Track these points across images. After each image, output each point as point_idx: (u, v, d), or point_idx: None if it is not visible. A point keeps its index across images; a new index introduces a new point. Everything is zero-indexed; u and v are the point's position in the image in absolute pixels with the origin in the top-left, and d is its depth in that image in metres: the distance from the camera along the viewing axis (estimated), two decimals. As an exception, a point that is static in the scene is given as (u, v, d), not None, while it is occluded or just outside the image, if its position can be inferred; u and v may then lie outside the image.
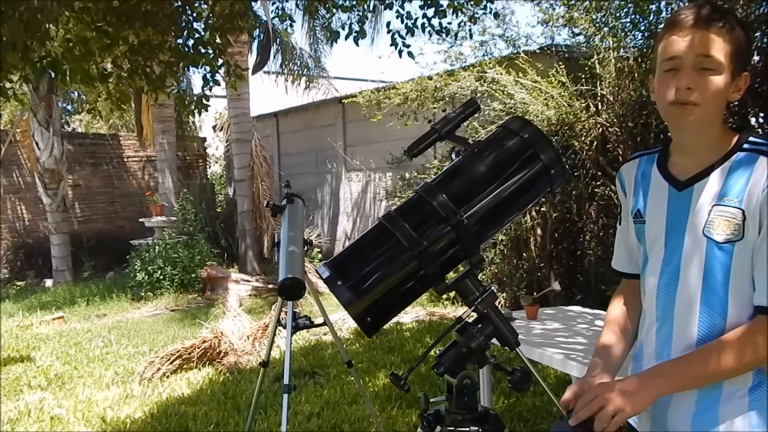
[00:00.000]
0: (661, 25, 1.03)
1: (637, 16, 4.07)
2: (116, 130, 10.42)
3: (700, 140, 0.92)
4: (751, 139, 0.90)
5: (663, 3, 3.87)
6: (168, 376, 3.48)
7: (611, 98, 4.07)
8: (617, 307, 1.08)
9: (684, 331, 0.92)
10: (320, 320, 2.33)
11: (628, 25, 4.14)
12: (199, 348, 3.66)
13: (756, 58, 3.38)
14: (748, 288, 0.87)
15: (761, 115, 3.51)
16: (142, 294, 6.09)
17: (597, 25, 4.10)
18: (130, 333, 4.72)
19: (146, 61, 2.93)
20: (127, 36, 2.75)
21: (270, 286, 6.17)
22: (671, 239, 0.93)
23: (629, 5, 3.99)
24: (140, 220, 7.25)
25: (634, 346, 1.04)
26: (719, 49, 0.86)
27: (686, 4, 2.71)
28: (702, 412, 0.90)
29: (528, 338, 2.07)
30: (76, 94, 9.38)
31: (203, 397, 3.10)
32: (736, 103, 3.50)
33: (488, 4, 3.88)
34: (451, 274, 0.92)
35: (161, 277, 6.13)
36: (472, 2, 3.74)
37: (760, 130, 3.40)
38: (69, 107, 10.36)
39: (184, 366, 3.59)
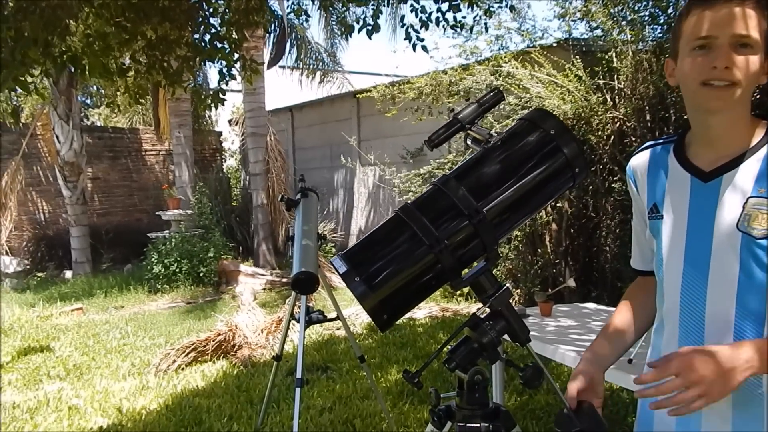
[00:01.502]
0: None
1: (656, 9, 3.97)
2: (133, 123, 10.59)
3: (729, 127, 0.84)
4: None
5: (683, -5, 3.78)
6: (183, 369, 3.53)
7: (629, 92, 3.99)
8: (633, 294, 1.04)
9: (716, 337, 0.84)
10: (333, 315, 2.34)
11: (646, 18, 4.05)
12: (213, 341, 3.70)
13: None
14: None
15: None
16: (159, 286, 6.19)
17: (615, 18, 4.01)
18: (147, 325, 4.80)
19: (164, 56, 2.96)
20: (145, 31, 2.78)
21: (284, 279, 6.22)
22: (695, 236, 0.86)
23: (648, -3, 3.91)
24: (157, 213, 7.35)
25: (648, 354, 1.00)
26: (755, 26, 0.80)
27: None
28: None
29: (541, 335, 2.05)
30: (95, 88, 9.56)
31: (217, 389, 3.14)
32: (758, 96, 3.41)
33: (504, -2, 3.83)
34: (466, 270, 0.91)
35: (177, 270, 6.22)
36: (487, -5, 3.69)
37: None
38: (88, 101, 10.57)
39: (199, 358, 3.65)
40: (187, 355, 3.60)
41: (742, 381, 0.76)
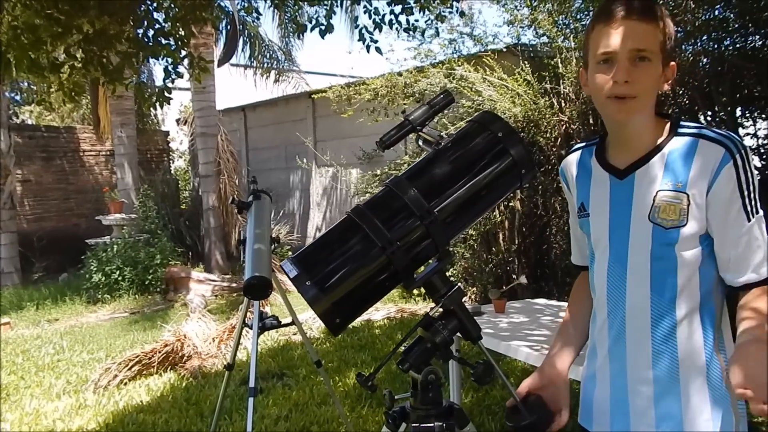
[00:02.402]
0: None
1: (597, 20, 4.22)
2: (73, 121, 9.89)
3: (637, 131, 0.91)
4: (681, 123, 0.92)
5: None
6: (126, 384, 3.32)
7: (573, 96, 4.21)
8: (578, 290, 1.09)
9: (636, 323, 0.91)
10: (288, 320, 2.28)
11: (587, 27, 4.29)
12: (160, 352, 3.51)
13: (704, 60, 3.58)
14: (695, 273, 0.87)
15: (708, 113, 3.71)
16: (99, 296, 5.80)
17: (559, 26, 4.23)
18: (85, 338, 4.48)
19: (102, 51, 2.77)
20: (81, 24, 2.60)
21: (235, 285, 6.02)
22: (617, 231, 0.93)
23: (590, 9, 4.14)
24: (97, 217, 6.91)
25: (586, 345, 1.04)
26: (652, 40, 0.87)
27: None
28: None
29: (495, 332, 2.09)
30: (26, 84, 8.85)
31: (164, 404, 2.98)
32: (687, 102, 3.71)
33: (455, 3, 3.91)
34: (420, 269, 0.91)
35: (119, 278, 5.86)
36: (438, 1, 3.75)
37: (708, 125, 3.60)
38: (17, 97, 9.76)
39: (144, 372, 3.44)
40: (130, 368, 3.39)
41: None
